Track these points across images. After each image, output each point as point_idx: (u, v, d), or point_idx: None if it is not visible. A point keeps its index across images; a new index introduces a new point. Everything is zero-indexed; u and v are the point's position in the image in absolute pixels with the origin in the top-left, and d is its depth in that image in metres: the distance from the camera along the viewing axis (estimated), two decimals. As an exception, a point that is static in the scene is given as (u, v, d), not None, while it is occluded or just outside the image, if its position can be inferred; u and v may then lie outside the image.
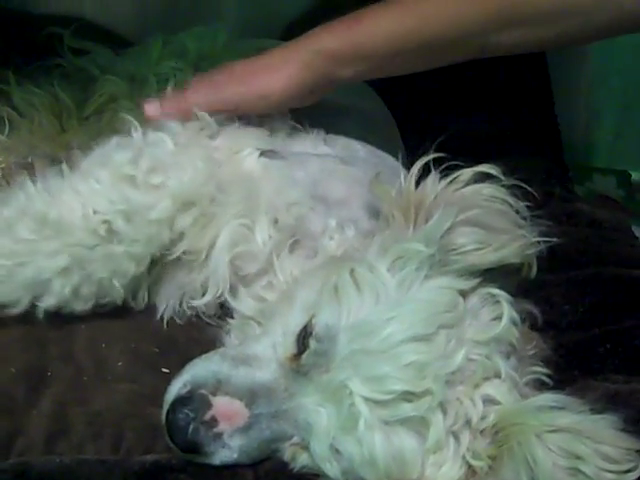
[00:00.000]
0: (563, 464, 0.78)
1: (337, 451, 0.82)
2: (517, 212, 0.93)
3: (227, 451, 0.83)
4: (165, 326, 1.03)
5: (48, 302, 0.96)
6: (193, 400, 0.84)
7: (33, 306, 1.00)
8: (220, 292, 1.02)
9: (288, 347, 0.87)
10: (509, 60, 1.19)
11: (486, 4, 1.03)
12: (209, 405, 0.83)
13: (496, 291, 0.89)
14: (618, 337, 1.07)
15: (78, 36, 1.38)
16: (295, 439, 0.85)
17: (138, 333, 1.02)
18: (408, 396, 0.80)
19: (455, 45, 1.05)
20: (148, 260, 0.99)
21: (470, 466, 0.82)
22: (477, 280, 0.89)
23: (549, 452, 0.78)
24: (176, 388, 0.86)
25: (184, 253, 1.00)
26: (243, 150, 1.04)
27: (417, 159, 0.97)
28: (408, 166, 1.01)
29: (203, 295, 1.02)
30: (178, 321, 1.04)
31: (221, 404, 0.83)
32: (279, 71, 1.02)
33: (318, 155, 1.11)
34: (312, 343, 0.84)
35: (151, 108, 1.05)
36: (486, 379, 0.85)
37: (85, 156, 1.05)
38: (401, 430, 0.81)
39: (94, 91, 1.33)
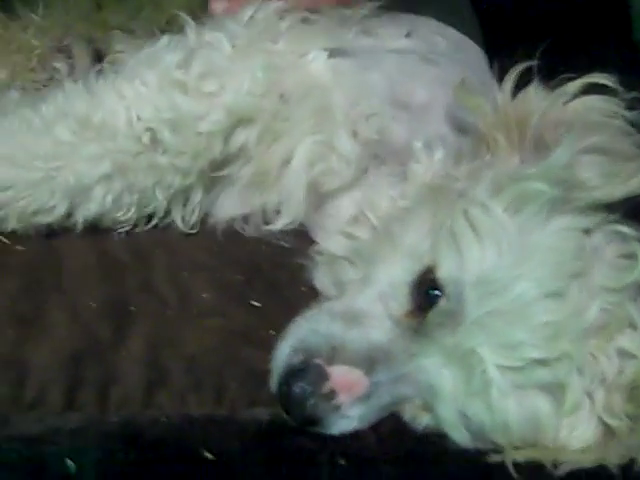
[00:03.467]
0: None
1: (465, 416, 0.76)
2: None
3: (346, 420, 0.77)
4: (246, 249, 0.97)
5: (88, 211, 0.92)
6: (309, 372, 0.76)
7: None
8: (296, 216, 0.96)
9: (402, 302, 0.79)
10: None
11: None
12: (326, 376, 0.76)
13: (624, 229, 0.81)
14: None
15: None
16: (416, 401, 0.79)
17: (219, 258, 0.96)
18: (544, 361, 0.74)
19: None
20: (195, 173, 0.93)
21: (607, 425, 0.77)
22: (601, 215, 0.80)
23: None
24: (285, 355, 0.78)
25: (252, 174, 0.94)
26: (309, 53, 0.94)
27: (504, 64, 0.88)
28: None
29: (277, 218, 0.97)
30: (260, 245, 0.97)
31: (339, 374, 0.76)
32: None
33: (395, 50, 1.00)
34: (441, 301, 0.76)
35: (217, 6, 1.00)
36: (619, 330, 0.78)
37: (130, 55, 0.97)
38: (535, 394, 0.75)
39: (130, -38, 1.21)
